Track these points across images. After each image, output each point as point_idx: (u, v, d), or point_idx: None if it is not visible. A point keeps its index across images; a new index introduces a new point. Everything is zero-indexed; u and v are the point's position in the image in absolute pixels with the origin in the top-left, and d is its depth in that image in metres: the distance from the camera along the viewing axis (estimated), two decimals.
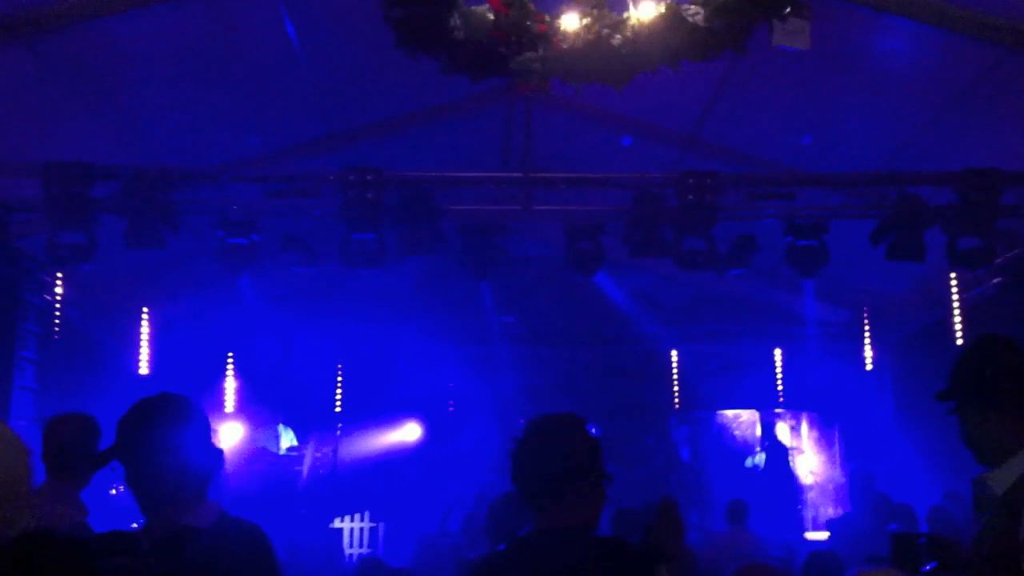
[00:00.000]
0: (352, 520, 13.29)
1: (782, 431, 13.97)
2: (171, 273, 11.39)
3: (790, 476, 13.26)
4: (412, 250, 8.70)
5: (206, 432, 2.80)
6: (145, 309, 12.70)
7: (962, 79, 7.77)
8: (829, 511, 13.04)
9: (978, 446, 2.84)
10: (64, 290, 10.14)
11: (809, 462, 13.95)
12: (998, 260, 8.96)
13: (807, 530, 12.32)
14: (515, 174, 9.01)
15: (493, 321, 13.80)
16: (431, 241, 8.64)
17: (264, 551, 2.70)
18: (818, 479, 13.79)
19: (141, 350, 12.62)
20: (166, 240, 8.31)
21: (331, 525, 12.54)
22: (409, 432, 14.08)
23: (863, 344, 13.75)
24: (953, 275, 10.59)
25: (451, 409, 14.26)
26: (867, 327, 13.54)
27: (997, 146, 8.31)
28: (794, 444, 13.90)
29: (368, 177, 8.26)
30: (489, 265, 9.09)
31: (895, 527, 7.48)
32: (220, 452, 2.83)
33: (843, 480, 12.76)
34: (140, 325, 12.79)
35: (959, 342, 10.76)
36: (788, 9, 6.22)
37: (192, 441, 2.73)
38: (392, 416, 14.06)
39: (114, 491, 9.15)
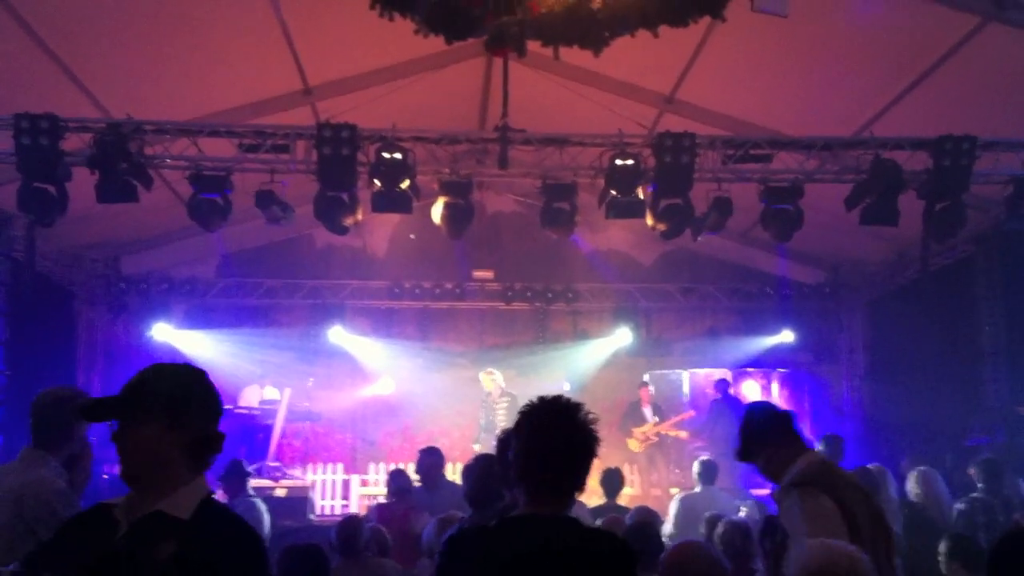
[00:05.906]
0: (325, 472, 13.36)
1: (750, 389, 14.14)
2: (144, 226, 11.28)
3: None
4: (388, 208, 8.66)
5: (204, 411, 2.47)
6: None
7: (939, 46, 7.76)
8: None
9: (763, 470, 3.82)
10: (36, 243, 10.04)
11: None
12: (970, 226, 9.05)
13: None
14: (491, 133, 8.92)
15: (468, 277, 13.81)
16: (407, 199, 8.60)
17: (240, 557, 2.36)
18: None
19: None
20: (137, 194, 8.23)
21: (303, 478, 12.60)
22: (382, 386, 14.07)
23: (835, 305, 13.91)
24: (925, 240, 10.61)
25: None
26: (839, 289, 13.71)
27: (973, 114, 8.32)
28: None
29: (343, 133, 8.18)
30: (465, 222, 9.06)
31: None
32: (221, 436, 2.48)
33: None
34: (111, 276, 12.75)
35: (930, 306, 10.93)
36: None
37: (185, 419, 2.40)
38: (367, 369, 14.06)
39: (106, 476, 9.11)
